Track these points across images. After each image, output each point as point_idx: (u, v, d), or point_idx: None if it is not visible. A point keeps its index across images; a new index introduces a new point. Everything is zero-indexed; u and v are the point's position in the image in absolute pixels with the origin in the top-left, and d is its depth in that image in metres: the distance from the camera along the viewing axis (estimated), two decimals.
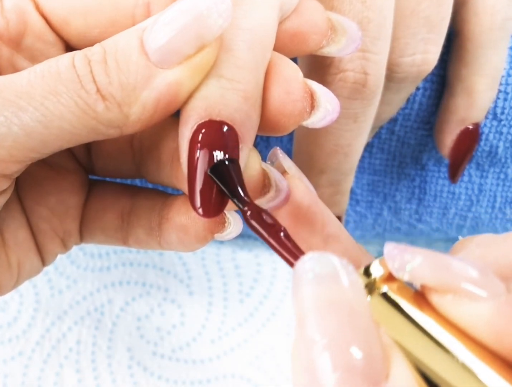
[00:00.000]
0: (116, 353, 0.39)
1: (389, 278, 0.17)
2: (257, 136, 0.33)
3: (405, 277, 0.16)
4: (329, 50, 0.23)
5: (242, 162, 0.19)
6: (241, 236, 0.40)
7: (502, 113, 0.31)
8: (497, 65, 0.29)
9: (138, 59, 0.18)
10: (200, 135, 0.18)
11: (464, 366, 0.15)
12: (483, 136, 0.32)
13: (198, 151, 0.19)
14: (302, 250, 0.18)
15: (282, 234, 0.18)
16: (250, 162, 0.20)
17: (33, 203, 0.23)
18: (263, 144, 0.33)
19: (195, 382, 0.39)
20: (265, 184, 0.21)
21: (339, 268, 0.16)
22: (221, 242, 0.40)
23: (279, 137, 0.33)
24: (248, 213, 0.18)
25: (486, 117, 0.31)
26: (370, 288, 0.17)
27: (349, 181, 0.29)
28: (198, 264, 0.39)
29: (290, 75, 0.20)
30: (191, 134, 0.19)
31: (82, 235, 0.24)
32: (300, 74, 0.20)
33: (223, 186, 0.18)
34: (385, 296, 0.17)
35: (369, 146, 0.33)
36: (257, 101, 0.20)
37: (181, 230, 0.22)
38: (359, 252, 0.21)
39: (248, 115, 0.19)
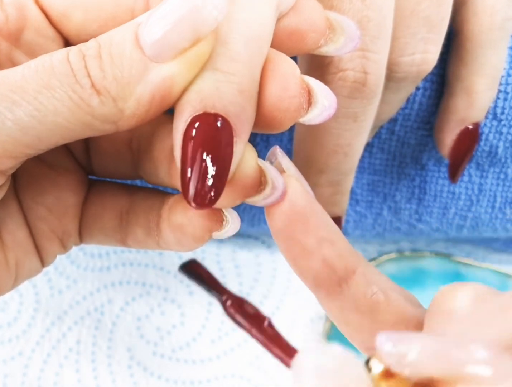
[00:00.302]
0: (116, 353, 0.39)
1: (389, 372, 0.16)
2: (257, 136, 0.33)
3: (406, 372, 0.16)
4: (327, 49, 0.23)
5: (236, 157, 0.19)
6: (241, 235, 0.41)
7: (502, 113, 0.31)
8: (497, 65, 0.29)
9: (133, 54, 0.18)
10: (194, 131, 0.18)
11: None
12: (483, 136, 0.32)
13: (192, 145, 0.18)
14: (286, 340, 0.17)
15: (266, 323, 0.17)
16: (246, 159, 0.20)
17: (32, 202, 0.23)
18: (262, 144, 0.33)
19: (195, 382, 0.39)
20: (261, 181, 0.20)
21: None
22: (221, 242, 0.40)
23: (279, 137, 0.32)
24: (228, 302, 0.17)
25: (486, 117, 0.31)
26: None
27: (349, 181, 0.29)
28: None
29: (287, 71, 0.20)
30: (185, 127, 0.18)
31: (81, 235, 0.24)
32: (298, 70, 0.20)
33: (197, 281, 0.18)
34: None
35: (369, 146, 0.33)
36: (253, 95, 0.19)
37: (178, 229, 0.22)
38: (355, 259, 0.21)
39: (243, 108, 0.19)
